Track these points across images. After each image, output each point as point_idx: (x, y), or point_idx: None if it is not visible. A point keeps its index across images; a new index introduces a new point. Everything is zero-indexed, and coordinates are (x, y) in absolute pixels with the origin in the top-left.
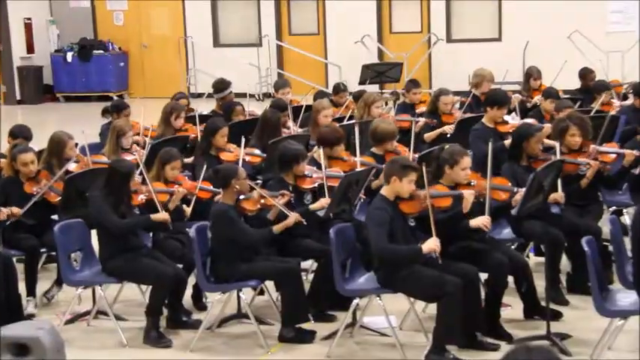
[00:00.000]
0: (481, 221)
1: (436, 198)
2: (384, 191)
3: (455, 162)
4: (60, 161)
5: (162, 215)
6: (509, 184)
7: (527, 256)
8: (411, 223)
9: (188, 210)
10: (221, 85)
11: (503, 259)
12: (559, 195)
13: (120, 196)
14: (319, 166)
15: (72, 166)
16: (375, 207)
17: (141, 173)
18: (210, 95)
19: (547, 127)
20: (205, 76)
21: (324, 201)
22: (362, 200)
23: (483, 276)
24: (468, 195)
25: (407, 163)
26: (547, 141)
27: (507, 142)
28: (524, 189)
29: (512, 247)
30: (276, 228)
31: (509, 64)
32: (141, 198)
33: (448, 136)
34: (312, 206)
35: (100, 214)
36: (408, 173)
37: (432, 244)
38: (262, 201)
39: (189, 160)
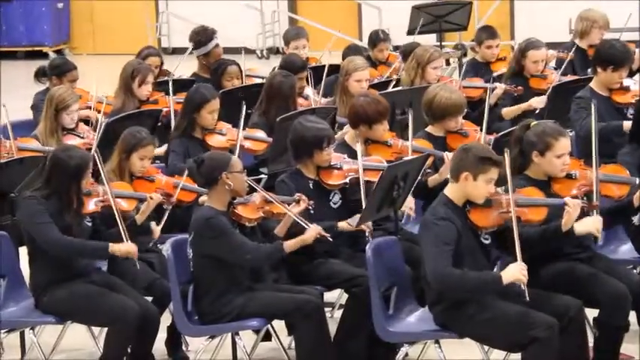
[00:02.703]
0: (592, 225)
1: (524, 207)
2: (449, 192)
3: (547, 146)
4: None
5: (125, 247)
6: (628, 174)
7: None
8: (485, 240)
9: (157, 230)
10: (201, 37)
11: (621, 288)
12: None
13: (67, 201)
14: (353, 154)
15: None
16: (435, 215)
17: (93, 165)
18: (190, 52)
19: None
20: (183, 24)
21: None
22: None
23: (592, 313)
24: (573, 206)
25: (486, 153)
26: None
27: (627, 124)
28: None
29: (635, 270)
30: (288, 245)
31: (632, 2)
32: (95, 204)
33: (537, 111)
34: (341, 225)
35: (35, 224)
36: (486, 169)
37: (516, 272)
38: (267, 207)
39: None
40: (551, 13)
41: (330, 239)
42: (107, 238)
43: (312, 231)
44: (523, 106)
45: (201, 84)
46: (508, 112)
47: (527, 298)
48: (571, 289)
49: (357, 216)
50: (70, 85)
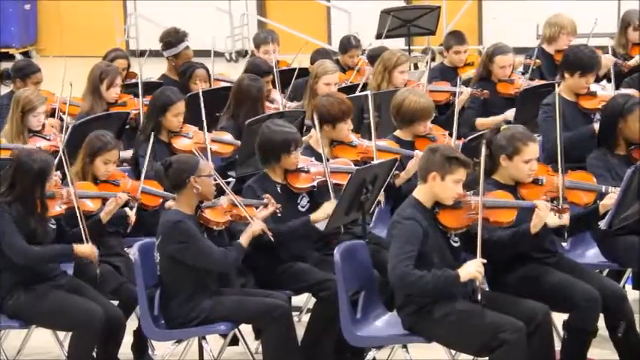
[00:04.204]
0: (473, 269)
1: (493, 209)
2: (418, 194)
3: (515, 151)
4: None
5: (87, 248)
6: (596, 181)
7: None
8: (455, 243)
9: (132, 214)
10: (172, 38)
11: (590, 291)
12: None
13: (31, 205)
14: (319, 157)
15: None
16: (403, 215)
17: (59, 168)
18: (159, 54)
19: None
20: (152, 26)
21: (330, 207)
22: (381, 206)
23: (559, 317)
24: (542, 208)
25: (453, 154)
26: None
27: (597, 126)
28: (617, 189)
29: (602, 274)
30: (243, 240)
31: (598, 8)
32: (60, 206)
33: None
34: (315, 215)
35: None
36: (454, 169)
37: (471, 269)
38: (235, 211)
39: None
40: (519, 19)
41: (272, 238)
42: (72, 237)
43: (257, 225)
44: (498, 118)
45: (167, 87)
46: (480, 123)
47: (479, 297)
48: (540, 294)
49: (325, 220)
50: (34, 87)
